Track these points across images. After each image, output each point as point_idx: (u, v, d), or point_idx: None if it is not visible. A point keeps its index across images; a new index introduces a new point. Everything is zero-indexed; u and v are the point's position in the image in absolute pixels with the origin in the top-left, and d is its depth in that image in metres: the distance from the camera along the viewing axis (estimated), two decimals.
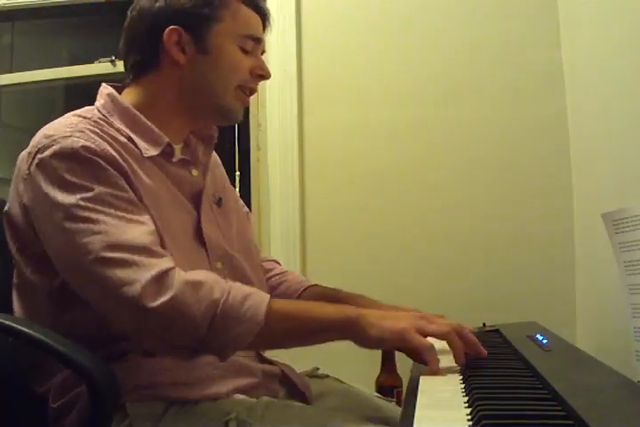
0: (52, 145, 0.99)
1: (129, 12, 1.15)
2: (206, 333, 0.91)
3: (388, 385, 1.66)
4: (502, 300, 1.85)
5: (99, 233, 0.92)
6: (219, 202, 1.18)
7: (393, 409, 1.19)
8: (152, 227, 0.98)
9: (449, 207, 1.95)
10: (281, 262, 1.46)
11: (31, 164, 1.00)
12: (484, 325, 1.39)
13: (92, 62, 2.35)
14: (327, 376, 1.28)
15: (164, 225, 1.02)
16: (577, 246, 1.84)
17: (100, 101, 1.12)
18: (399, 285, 1.93)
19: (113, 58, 2.29)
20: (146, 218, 0.98)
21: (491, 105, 1.95)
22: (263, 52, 1.18)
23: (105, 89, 1.14)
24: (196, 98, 1.12)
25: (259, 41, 1.15)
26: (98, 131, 1.03)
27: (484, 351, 1.00)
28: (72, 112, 1.09)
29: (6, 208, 1.07)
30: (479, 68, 1.96)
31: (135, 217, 0.96)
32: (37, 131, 1.07)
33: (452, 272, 1.92)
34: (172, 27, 1.09)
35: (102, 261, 0.91)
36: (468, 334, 1.01)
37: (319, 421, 0.99)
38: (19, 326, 0.93)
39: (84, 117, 1.06)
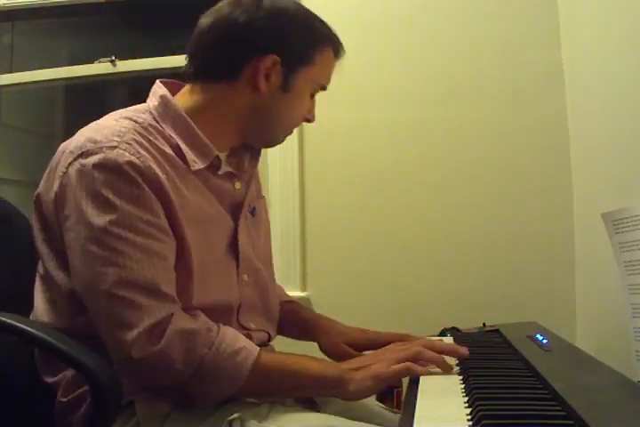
0: (97, 153, 0.97)
1: (227, 10, 1.08)
2: (186, 383, 0.95)
3: (388, 385, 1.66)
4: (502, 300, 1.85)
5: (116, 265, 0.94)
6: (253, 211, 1.19)
7: (396, 419, 1.19)
8: (171, 261, 0.99)
9: (449, 207, 1.95)
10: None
11: (71, 164, 0.99)
12: (484, 325, 1.40)
13: (92, 62, 2.35)
14: None
15: (199, 240, 1.04)
16: (577, 246, 1.84)
17: (152, 102, 1.09)
18: (399, 285, 1.93)
19: (113, 58, 2.29)
20: (169, 249, 0.99)
21: (491, 105, 1.95)
22: None
23: (159, 89, 1.11)
24: (256, 125, 1.12)
25: (325, 89, 1.17)
26: (145, 142, 1.01)
27: (465, 351, 1.02)
28: (124, 111, 1.07)
29: (37, 193, 1.06)
30: (479, 68, 1.96)
31: (157, 247, 0.97)
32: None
33: (452, 272, 1.92)
34: (274, 56, 1.06)
35: (110, 297, 0.94)
36: (439, 343, 1.05)
37: (323, 424, 0.99)
38: (22, 326, 0.94)
39: (135, 122, 1.04)
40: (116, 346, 0.95)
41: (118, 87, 2.78)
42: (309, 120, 1.18)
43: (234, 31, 1.07)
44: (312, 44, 1.10)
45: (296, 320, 1.31)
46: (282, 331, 1.27)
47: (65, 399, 1.03)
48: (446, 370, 0.98)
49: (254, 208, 1.20)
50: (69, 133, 1.07)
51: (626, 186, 1.40)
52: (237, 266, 1.12)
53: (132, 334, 0.92)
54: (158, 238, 0.97)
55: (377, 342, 1.18)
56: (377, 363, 1.01)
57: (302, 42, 1.09)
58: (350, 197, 2.00)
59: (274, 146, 1.22)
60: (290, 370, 1.01)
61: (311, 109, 1.17)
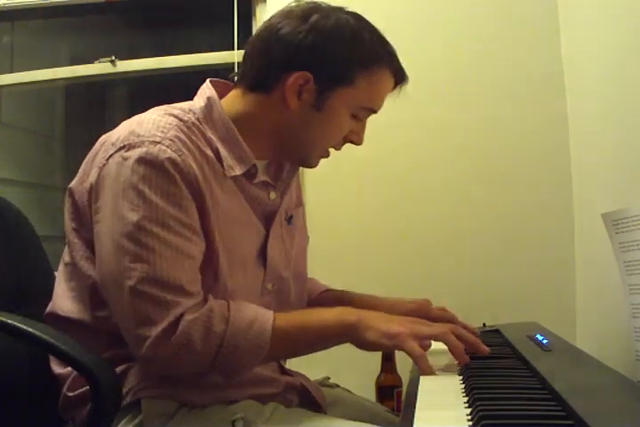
0: (139, 147, 0.97)
1: (275, 20, 1.06)
2: (211, 365, 0.95)
3: (388, 385, 1.67)
4: (502, 300, 1.85)
5: (145, 262, 0.94)
6: (289, 220, 1.19)
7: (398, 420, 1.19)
8: (199, 262, 0.99)
9: (448, 207, 1.95)
10: None
11: (111, 156, 0.99)
12: (483, 325, 1.40)
13: (92, 62, 2.35)
14: (337, 386, 1.28)
15: (228, 244, 1.04)
16: (577, 246, 1.84)
17: (199, 102, 1.08)
18: (399, 284, 1.93)
19: (113, 58, 2.29)
20: (198, 249, 0.99)
21: (491, 105, 1.94)
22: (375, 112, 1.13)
23: (208, 89, 1.10)
24: (288, 142, 1.10)
25: (374, 112, 1.11)
26: (187, 141, 1.00)
27: (486, 349, 1.01)
28: (169, 108, 1.06)
29: (71, 185, 1.06)
30: (479, 68, 1.96)
31: (187, 246, 0.97)
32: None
33: (453, 272, 1.92)
34: (304, 72, 1.03)
35: (136, 293, 0.93)
36: (466, 333, 1.02)
37: (325, 425, 0.99)
38: (20, 325, 0.94)
39: (180, 120, 1.03)
40: (137, 343, 0.94)
41: (118, 87, 2.79)
42: (354, 142, 1.14)
43: (273, 43, 1.05)
44: (354, 65, 1.05)
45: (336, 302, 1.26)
46: None
47: (71, 394, 1.03)
48: (461, 361, 0.97)
49: (291, 216, 1.19)
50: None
51: (626, 186, 1.40)
52: (264, 274, 1.12)
53: (154, 331, 0.92)
54: (188, 238, 0.97)
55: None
56: (402, 329, 0.98)
57: (342, 61, 1.04)
58: (351, 197, 2.00)
59: (310, 167, 1.17)
60: (309, 325, 1.01)
61: (358, 132, 1.12)
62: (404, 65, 1.12)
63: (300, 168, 1.21)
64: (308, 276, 1.32)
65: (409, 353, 0.97)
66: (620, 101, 1.44)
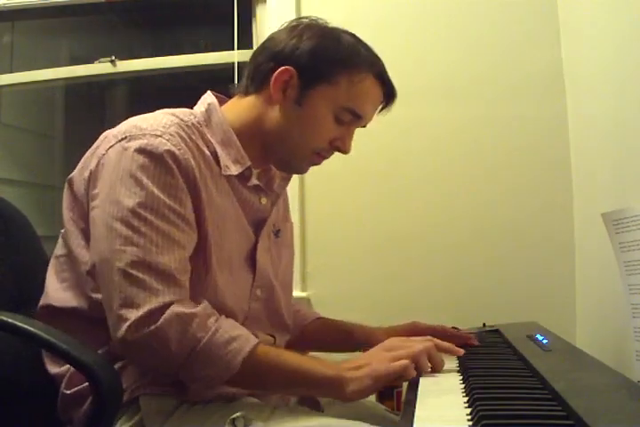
0: (140, 138, 1.01)
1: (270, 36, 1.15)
2: (179, 367, 0.95)
3: (388, 385, 1.66)
4: (502, 300, 1.85)
5: (136, 246, 0.96)
6: (277, 233, 1.21)
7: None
8: (189, 252, 1.00)
9: (449, 207, 1.94)
10: None
11: (112, 146, 1.02)
12: (484, 325, 1.40)
13: (92, 62, 2.35)
14: None
15: (220, 242, 1.06)
16: (577, 246, 1.84)
17: (200, 108, 1.13)
18: (399, 285, 1.93)
19: (113, 58, 2.29)
20: (189, 240, 1.01)
21: (491, 105, 1.94)
22: (364, 126, 1.18)
23: (209, 97, 1.15)
24: (271, 141, 1.12)
25: (359, 117, 1.13)
26: (187, 138, 1.04)
27: (460, 351, 1.07)
28: (169, 110, 1.10)
29: (71, 175, 1.09)
30: (479, 68, 1.95)
31: (179, 236, 0.99)
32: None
33: (453, 272, 1.92)
34: (289, 67, 1.08)
35: (125, 275, 0.95)
36: (436, 355, 1.01)
37: (325, 425, 0.99)
38: (20, 324, 0.93)
39: (181, 119, 1.07)
40: (116, 323, 0.94)
41: (118, 87, 2.79)
42: (339, 149, 1.16)
43: (267, 46, 1.13)
44: (336, 63, 1.09)
45: (337, 330, 1.33)
46: (320, 344, 1.33)
47: (69, 392, 1.03)
48: (438, 369, 0.99)
49: (279, 230, 1.21)
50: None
51: (626, 186, 1.40)
52: (253, 280, 1.13)
53: (135, 314, 0.93)
54: (181, 228, 0.99)
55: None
56: (376, 361, 0.99)
57: (324, 58, 1.09)
58: (350, 196, 2.00)
59: (298, 172, 1.21)
60: (285, 365, 0.99)
61: (343, 138, 1.14)
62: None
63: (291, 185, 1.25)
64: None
65: (396, 374, 0.97)
66: (620, 101, 1.44)
